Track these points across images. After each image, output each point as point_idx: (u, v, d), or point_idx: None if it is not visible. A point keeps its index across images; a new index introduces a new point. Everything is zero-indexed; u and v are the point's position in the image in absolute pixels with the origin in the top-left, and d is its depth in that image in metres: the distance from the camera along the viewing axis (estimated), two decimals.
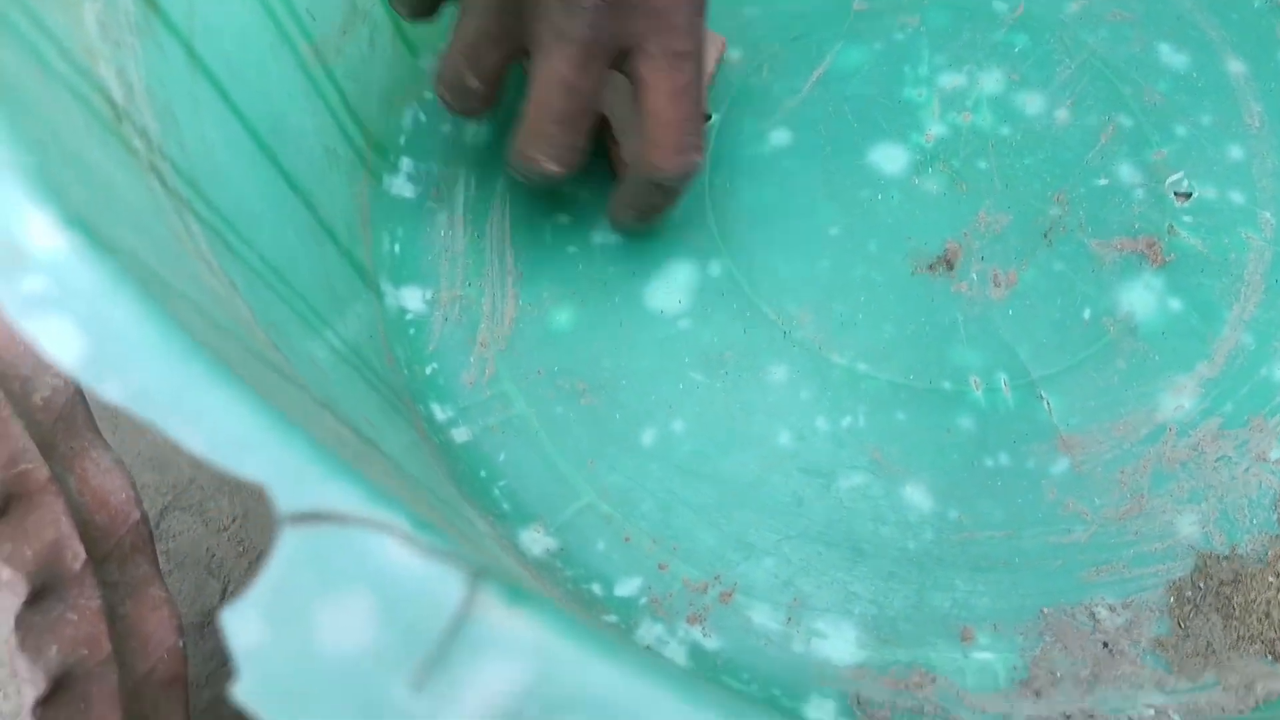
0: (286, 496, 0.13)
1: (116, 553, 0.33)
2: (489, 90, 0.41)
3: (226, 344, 0.17)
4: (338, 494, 0.13)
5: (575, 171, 0.41)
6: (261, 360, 0.19)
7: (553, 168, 0.40)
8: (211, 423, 0.13)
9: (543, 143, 0.39)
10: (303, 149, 0.41)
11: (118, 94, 0.24)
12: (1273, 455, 0.42)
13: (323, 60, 0.44)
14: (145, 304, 0.14)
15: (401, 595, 0.12)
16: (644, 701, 0.12)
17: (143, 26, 0.28)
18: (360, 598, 0.12)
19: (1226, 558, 0.41)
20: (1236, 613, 0.40)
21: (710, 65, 0.47)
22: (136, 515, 0.33)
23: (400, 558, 0.13)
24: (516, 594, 0.13)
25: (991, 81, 0.49)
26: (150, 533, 0.34)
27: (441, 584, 0.13)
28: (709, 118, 0.48)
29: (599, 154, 0.47)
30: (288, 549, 0.13)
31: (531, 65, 0.39)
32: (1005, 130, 0.48)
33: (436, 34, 0.52)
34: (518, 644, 0.12)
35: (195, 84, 0.31)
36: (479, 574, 0.13)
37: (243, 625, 0.12)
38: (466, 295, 0.47)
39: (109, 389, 0.14)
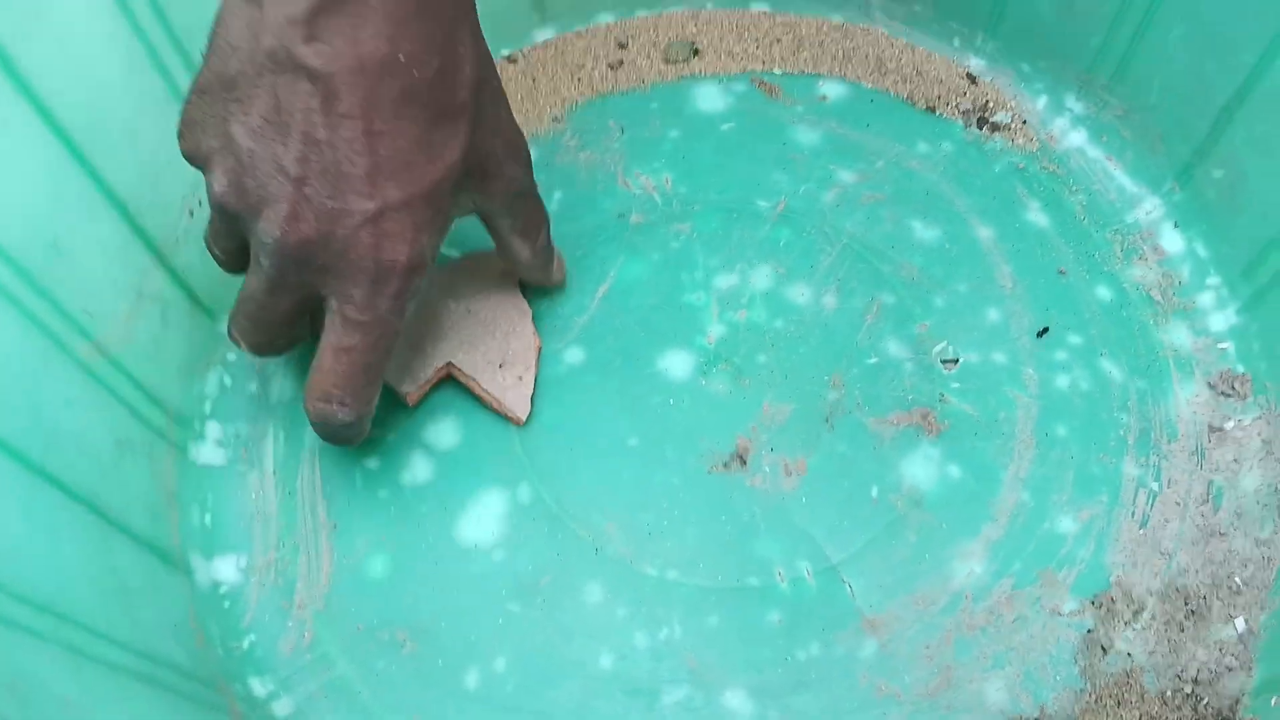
0: None
1: None
2: (233, 266, 0.44)
3: None
4: None
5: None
6: None
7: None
8: None
9: (245, 333, 0.44)
10: (85, 452, 0.41)
11: None
12: (1066, 608, 0.45)
13: (107, 354, 0.45)
14: None
15: None
16: None
17: None
18: None
19: (1037, 719, 0.43)
20: None
21: (531, 367, 0.50)
22: None
23: None
24: None
25: (761, 277, 0.53)
26: None
27: None
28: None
29: (390, 397, 0.49)
30: None
31: None
32: (779, 323, 0.51)
33: (231, 294, 0.53)
34: None
35: None
36: None
37: None
38: (281, 556, 0.47)
39: None
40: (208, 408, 0.51)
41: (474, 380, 0.49)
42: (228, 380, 0.52)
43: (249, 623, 0.46)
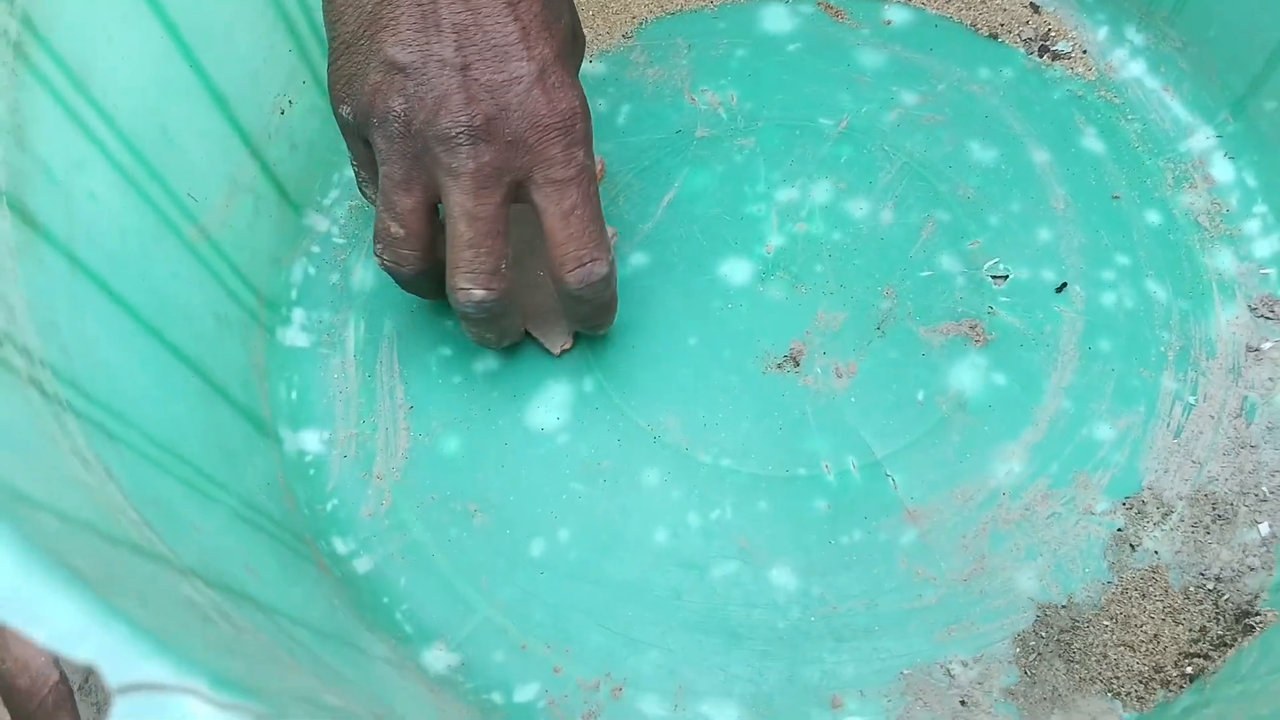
0: (113, 673, 0.17)
1: (40, 713, 0.36)
2: (414, 237, 0.44)
3: (77, 543, 0.21)
4: (152, 668, 0.17)
5: (505, 297, 0.45)
6: (122, 544, 0.23)
7: (479, 293, 0.44)
8: (51, 621, 0.17)
9: (463, 272, 0.44)
10: (191, 321, 0.45)
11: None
12: (1099, 508, 0.47)
13: (208, 236, 0.48)
14: (2, 530, 0.18)
15: None
16: None
17: (22, 248, 0.32)
18: None
19: (1064, 607, 0.45)
20: (1077, 657, 0.44)
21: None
22: (55, 676, 0.37)
23: (201, 711, 0.17)
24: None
25: (821, 192, 0.55)
26: (70, 690, 0.37)
27: None
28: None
29: None
30: (119, 712, 0.16)
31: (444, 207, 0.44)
32: (836, 235, 0.54)
33: (319, 191, 0.57)
34: None
35: (76, 285, 0.35)
36: (260, 717, 0.17)
37: None
38: (362, 432, 0.51)
39: None
40: (294, 294, 0.54)
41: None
42: (312, 270, 0.55)
43: (332, 489, 0.49)
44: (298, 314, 0.54)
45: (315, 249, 0.55)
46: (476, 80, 0.40)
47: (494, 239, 0.43)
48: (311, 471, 0.50)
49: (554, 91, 0.42)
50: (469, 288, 0.43)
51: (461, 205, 0.42)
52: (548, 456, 0.50)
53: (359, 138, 0.44)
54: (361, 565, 0.47)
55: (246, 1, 0.50)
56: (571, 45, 0.45)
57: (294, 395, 0.51)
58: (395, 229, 0.44)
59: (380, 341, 0.53)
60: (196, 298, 0.46)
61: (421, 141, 0.41)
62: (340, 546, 0.48)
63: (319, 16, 0.53)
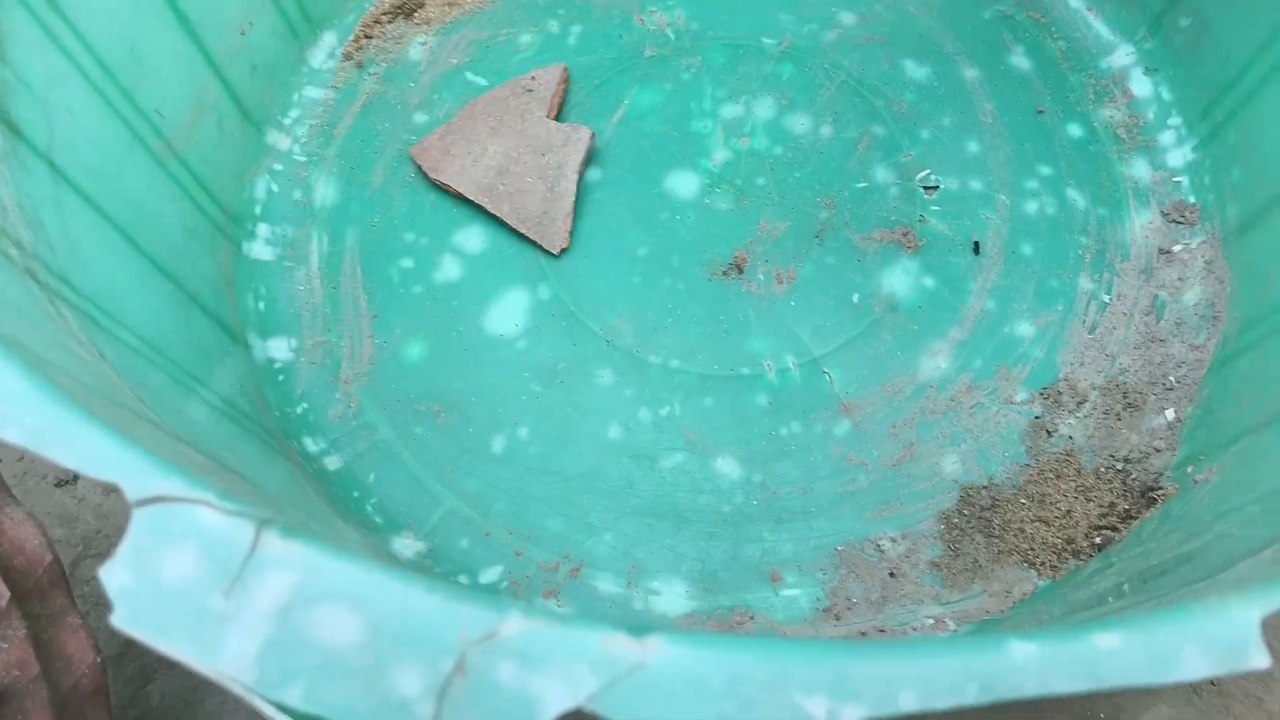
0: (133, 489, 0.20)
1: (36, 590, 0.39)
2: None
3: (91, 397, 0.23)
4: (166, 484, 0.20)
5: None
6: (123, 407, 0.26)
7: None
8: (79, 448, 0.20)
9: None
10: (164, 231, 0.47)
11: None
12: (1019, 398, 0.51)
13: (176, 151, 0.50)
14: (27, 373, 0.20)
15: (213, 541, 0.19)
16: (375, 585, 0.19)
17: (8, 153, 0.34)
18: (187, 547, 0.19)
19: (985, 487, 0.49)
20: (996, 532, 0.48)
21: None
22: (49, 558, 0.39)
23: (211, 519, 0.19)
24: (289, 531, 0.19)
25: (764, 108, 0.58)
26: (63, 571, 0.40)
27: (238, 531, 0.19)
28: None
29: (445, 194, 0.54)
30: (138, 522, 0.19)
31: None
32: (778, 149, 0.57)
33: (280, 110, 0.58)
34: (288, 561, 0.19)
35: (59, 191, 0.38)
36: (264, 521, 0.19)
37: (113, 576, 0.19)
38: (328, 340, 0.53)
39: (10, 434, 0.20)
40: (258, 210, 0.56)
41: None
42: (275, 187, 0.57)
43: (301, 393, 0.52)
44: (262, 228, 0.56)
45: (278, 166, 0.57)
46: None
47: None
48: (281, 377, 0.52)
49: None
50: None
51: None
52: (507, 360, 0.52)
53: None
54: (332, 463, 0.50)
55: None
56: None
57: (261, 306, 0.54)
58: None
59: (343, 254, 0.55)
60: (167, 209, 0.48)
61: None
62: (311, 446, 0.51)
63: None
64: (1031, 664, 0.18)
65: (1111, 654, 0.18)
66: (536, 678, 0.18)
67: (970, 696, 0.17)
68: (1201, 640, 0.18)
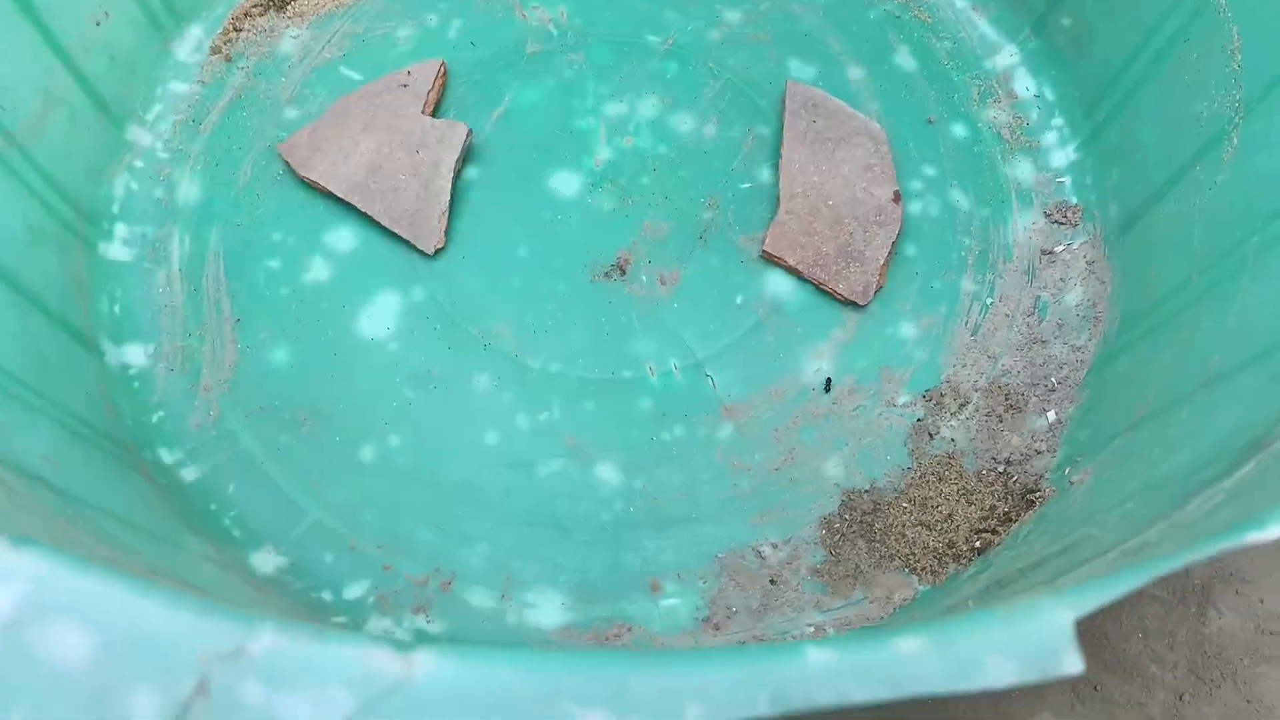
0: None
1: None
2: None
3: None
4: None
5: None
6: None
7: None
8: None
9: None
10: (2, 231, 0.44)
11: None
12: (901, 400, 0.50)
13: (19, 145, 0.47)
14: None
15: None
16: (111, 597, 0.17)
17: None
18: None
19: (867, 491, 0.48)
20: (878, 537, 0.47)
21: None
22: None
23: None
24: (19, 540, 0.17)
25: (648, 107, 0.56)
26: None
27: None
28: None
29: (315, 192, 0.52)
30: None
31: None
32: (662, 149, 0.55)
33: (141, 105, 0.56)
34: (18, 573, 0.17)
35: None
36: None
37: None
38: (188, 345, 0.51)
39: None
40: (115, 208, 0.53)
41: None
42: (134, 185, 0.54)
43: (157, 400, 0.49)
44: (120, 228, 0.53)
45: (138, 163, 0.54)
46: None
47: None
48: (136, 384, 0.49)
49: None
50: None
51: None
52: (378, 365, 0.50)
53: None
54: (189, 474, 0.48)
55: None
56: None
57: (116, 309, 0.51)
58: None
59: (206, 255, 0.53)
60: (8, 208, 0.45)
61: None
62: (166, 457, 0.48)
63: None
64: (828, 672, 0.16)
65: (912, 660, 0.17)
66: (286, 698, 0.16)
67: (762, 708, 0.16)
68: (1008, 645, 0.17)
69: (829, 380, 0.49)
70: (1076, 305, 0.52)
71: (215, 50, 0.58)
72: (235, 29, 0.58)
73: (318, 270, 0.52)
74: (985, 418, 0.50)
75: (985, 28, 0.60)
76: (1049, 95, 0.57)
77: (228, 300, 0.52)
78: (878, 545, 0.47)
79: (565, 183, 0.54)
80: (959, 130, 0.57)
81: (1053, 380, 0.51)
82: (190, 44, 0.58)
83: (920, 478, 0.48)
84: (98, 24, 0.52)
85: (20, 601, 0.17)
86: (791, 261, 0.51)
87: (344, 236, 0.53)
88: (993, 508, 0.47)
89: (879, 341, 0.51)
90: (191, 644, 0.16)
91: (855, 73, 0.58)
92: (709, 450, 0.49)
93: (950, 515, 0.47)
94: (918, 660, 0.17)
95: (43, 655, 0.16)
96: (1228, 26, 0.46)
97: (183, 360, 0.50)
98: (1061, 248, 0.54)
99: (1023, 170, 0.56)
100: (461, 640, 0.45)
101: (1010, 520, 0.47)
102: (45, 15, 0.48)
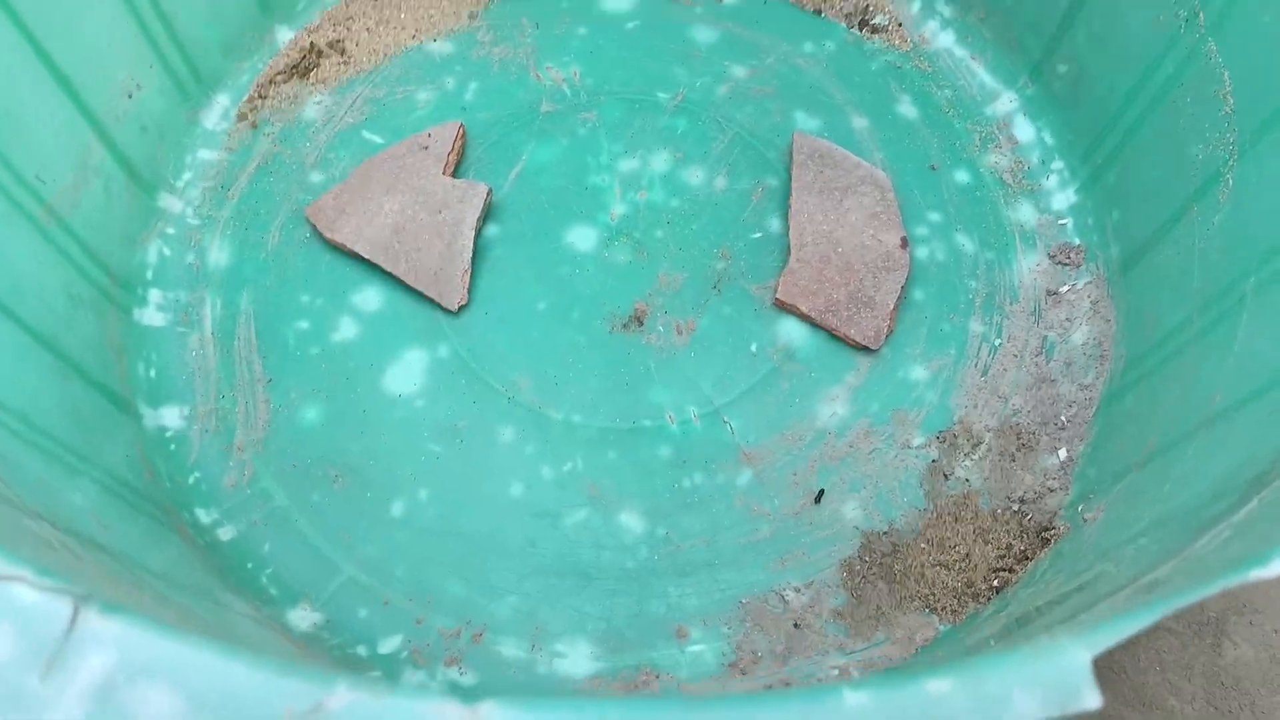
0: None
1: None
2: None
3: None
4: None
5: None
6: None
7: None
8: None
9: None
10: (44, 300, 0.46)
11: None
12: (915, 442, 0.51)
13: (57, 217, 0.49)
14: None
15: (30, 619, 0.18)
16: (196, 660, 0.18)
17: None
18: (3, 626, 0.18)
19: (885, 533, 0.49)
20: (898, 578, 0.48)
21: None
22: None
23: (28, 596, 0.19)
24: (109, 607, 0.19)
25: (660, 161, 0.58)
26: None
27: (55, 607, 0.19)
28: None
29: (342, 253, 0.53)
30: None
31: None
32: (675, 202, 0.57)
33: (172, 172, 0.58)
34: (108, 638, 0.18)
35: None
36: (82, 598, 0.19)
37: None
38: (221, 407, 0.52)
39: None
40: (149, 275, 0.55)
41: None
42: (167, 251, 0.56)
43: (193, 462, 0.51)
44: (154, 294, 0.55)
45: (170, 230, 0.56)
46: None
47: None
48: (173, 446, 0.51)
49: None
50: None
51: None
52: (405, 421, 0.52)
53: None
54: (225, 534, 0.49)
55: None
56: None
57: (152, 373, 0.53)
58: None
59: (237, 318, 0.55)
60: (49, 278, 0.47)
61: None
62: (204, 517, 0.49)
63: (164, 3, 0.54)
64: (864, 713, 0.17)
65: (943, 700, 0.18)
66: None
67: None
68: (1032, 682, 0.18)
69: (821, 492, 0.50)
70: (1083, 344, 0.53)
71: (241, 117, 0.60)
72: (260, 96, 0.61)
73: (346, 330, 0.54)
74: (998, 457, 0.51)
75: (984, 76, 0.62)
76: (1049, 139, 0.59)
77: (259, 361, 0.53)
78: (898, 586, 0.48)
79: (582, 237, 0.56)
80: (962, 176, 0.58)
81: (1063, 418, 0.52)
82: (217, 112, 0.60)
83: (937, 518, 0.49)
84: (129, 96, 0.55)
85: (112, 666, 0.18)
86: (804, 309, 0.52)
87: (370, 296, 0.55)
88: (1009, 546, 0.48)
89: (891, 385, 0.53)
90: (274, 701, 0.18)
91: (859, 123, 0.60)
92: (729, 496, 0.50)
93: (968, 555, 0.48)
94: (948, 700, 0.18)
95: (136, 716, 0.17)
96: (1219, 71, 0.48)
97: (217, 421, 0.52)
98: (1066, 288, 0.55)
99: (1025, 213, 0.57)
100: (494, 693, 0.46)
101: (1027, 558, 0.48)
102: (80, 89, 0.51)
